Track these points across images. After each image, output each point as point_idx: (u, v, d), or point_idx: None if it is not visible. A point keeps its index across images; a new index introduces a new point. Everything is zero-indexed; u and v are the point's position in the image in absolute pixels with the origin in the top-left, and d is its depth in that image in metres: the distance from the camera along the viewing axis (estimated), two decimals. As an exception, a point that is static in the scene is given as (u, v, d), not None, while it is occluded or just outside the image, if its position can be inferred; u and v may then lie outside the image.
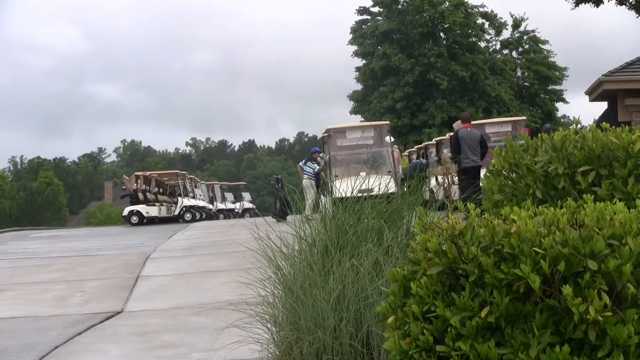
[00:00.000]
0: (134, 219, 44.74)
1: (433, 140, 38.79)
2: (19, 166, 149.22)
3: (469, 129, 21.57)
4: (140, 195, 45.90)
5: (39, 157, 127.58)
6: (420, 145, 42.84)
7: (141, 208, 45.29)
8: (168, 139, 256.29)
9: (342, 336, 6.64)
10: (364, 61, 69.16)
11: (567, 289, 3.91)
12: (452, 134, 28.47)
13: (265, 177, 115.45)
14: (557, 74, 70.71)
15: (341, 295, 6.74)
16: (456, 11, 66.09)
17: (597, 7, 35.63)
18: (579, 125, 6.51)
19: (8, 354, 9.41)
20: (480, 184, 7.19)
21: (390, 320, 4.39)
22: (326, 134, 28.32)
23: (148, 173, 51.13)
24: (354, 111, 69.68)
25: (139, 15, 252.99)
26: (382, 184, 8.51)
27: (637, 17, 34.72)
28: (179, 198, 47.66)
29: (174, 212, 46.87)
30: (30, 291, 14.85)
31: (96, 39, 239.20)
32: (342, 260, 6.95)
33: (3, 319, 11.99)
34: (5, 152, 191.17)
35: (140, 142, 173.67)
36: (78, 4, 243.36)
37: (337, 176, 22.74)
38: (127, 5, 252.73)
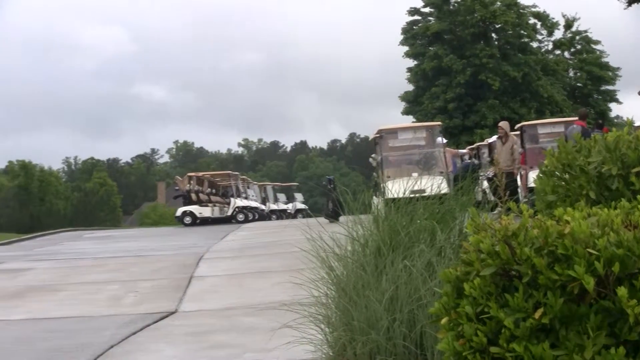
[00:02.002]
0: (187, 219, 45.06)
1: (485, 141, 38.61)
2: (72, 167, 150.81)
3: (574, 126, 21.60)
4: (193, 196, 46.20)
5: (92, 158, 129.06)
6: (472, 146, 42.68)
7: (194, 209, 45.59)
8: (219, 140, 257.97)
9: (396, 337, 6.64)
10: (415, 62, 69.05)
11: (621, 291, 3.88)
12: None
13: (318, 178, 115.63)
14: (610, 74, 70.19)
15: (394, 296, 6.74)
16: (508, 11, 65.78)
17: (650, 6, 35.32)
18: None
19: (63, 352, 9.52)
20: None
21: (443, 321, 4.39)
22: (378, 135, 28.34)
23: (201, 174, 51.42)
24: (406, 112, 69.62)
25: (184, 16, 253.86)
26: (434, 184, 8.52)
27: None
28: (232, 199, 47.85)
29: (227, 212, 47.06)
30: (83, 291, 15.00)
31: (142, 40, 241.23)
32: (395, 261, 6.95)
33: (57, 318, 12.13)
34: (60, 153, 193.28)
35: (192, 143, 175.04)
36: (124, 6, 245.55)
37: (389, 177, 22.74)
38: (174, 7, 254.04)
